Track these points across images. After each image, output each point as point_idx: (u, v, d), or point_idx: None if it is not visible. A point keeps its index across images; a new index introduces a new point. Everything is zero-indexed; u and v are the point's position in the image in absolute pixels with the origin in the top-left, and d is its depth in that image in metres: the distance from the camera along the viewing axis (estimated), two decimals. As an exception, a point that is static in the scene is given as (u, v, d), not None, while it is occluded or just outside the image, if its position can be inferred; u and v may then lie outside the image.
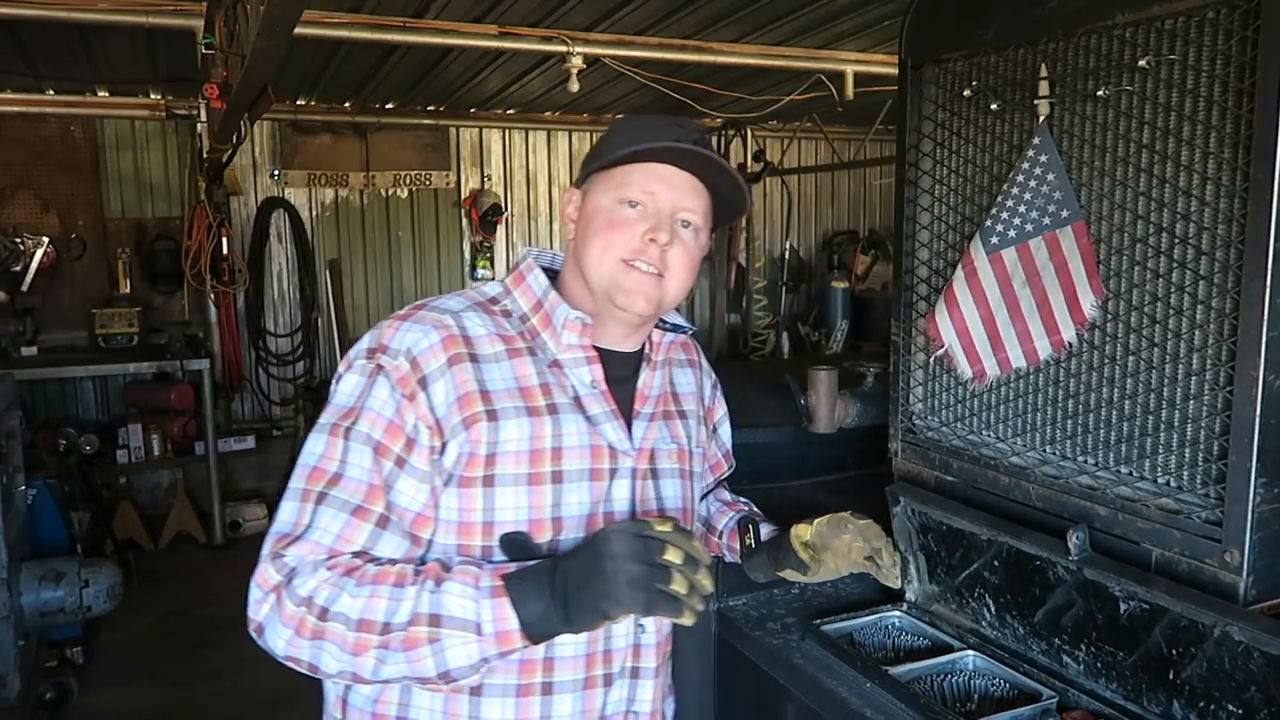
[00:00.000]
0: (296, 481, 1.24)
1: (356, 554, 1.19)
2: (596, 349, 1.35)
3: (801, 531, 1.56)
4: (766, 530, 1.64)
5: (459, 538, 1.25)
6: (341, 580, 1.15)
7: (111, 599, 3.79)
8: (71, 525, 4.24)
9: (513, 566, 1.17)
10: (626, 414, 1.37)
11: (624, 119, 1.37)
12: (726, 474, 1.76)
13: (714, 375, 1.67)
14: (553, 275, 1.42)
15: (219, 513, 5.81)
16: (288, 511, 1.22)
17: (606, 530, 1.14)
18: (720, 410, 1.68)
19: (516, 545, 1.24)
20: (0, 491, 3.43)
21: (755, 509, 1.73)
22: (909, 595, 1.81)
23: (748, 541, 1.61)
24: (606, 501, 1.32)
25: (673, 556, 1.10)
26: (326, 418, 1.26)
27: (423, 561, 1.23)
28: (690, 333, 1.57)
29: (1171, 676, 1.33)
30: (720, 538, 1.69)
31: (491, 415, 1.24)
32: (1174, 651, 1.32)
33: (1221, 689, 1.26)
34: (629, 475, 1.35)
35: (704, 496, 1.73)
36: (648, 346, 1.43)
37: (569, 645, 1.27)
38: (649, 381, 1.42)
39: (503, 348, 1.30)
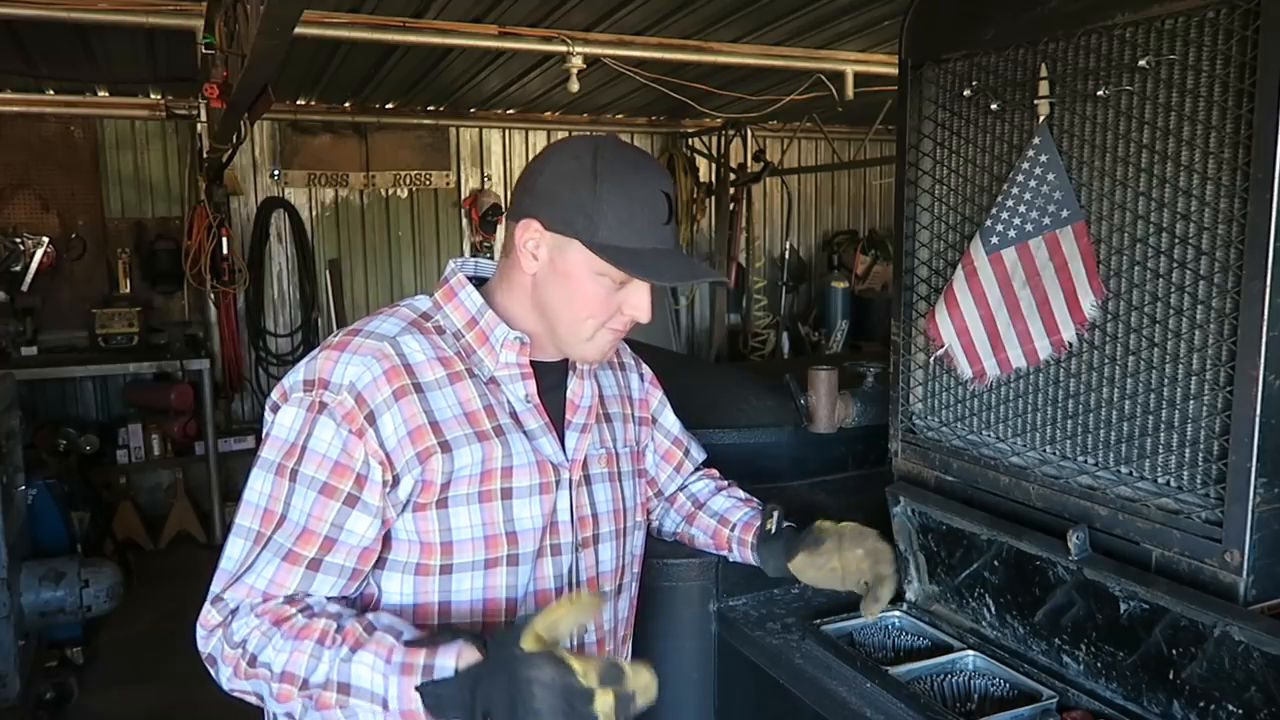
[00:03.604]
0: (243, 519, 1.26)
1: (291, 597, 1.23)
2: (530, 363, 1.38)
3: (826, 529, 1.61)
4: (788, 525, 1.67)
5: (420, 557, 1.29)
6: (270, 630, 1.19)
7: (111, 599, 3.79)
8: (71, 525, 4.24)
9: (422, 654, 1.14)
10: (559, 425, 1.41)
11: (611, 178, 1.27)
12: (698, 460, 1.79)
13: (645, 368, 1.68)
14: (479, 282, 1.43)
15: (219, 513, 5.81)
16: (234, 549, 1.25)
17: (530, 674, 1.06)
18: (655, 400, 1.69)
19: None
20: (0, 491, 3.43)
21: (771, 503, 1.74)
22: (909, 595, 1.81)
23: (768, 525, 1.63)
24: (553, 513, 1.37)
25: (600, 708, 1.05)
26: (270, 454, 1.26)
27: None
28: None
29: (1171, 676, 1.33)
30: (733, 530, 1.70)
31: (444, 447, 1.27)
32: (1174, 651, 1.32)
33: (1221, 689, 1.26)
34: (567, 486, 1.39)
35: (684, 487, 1.79)
36: None
37: None
38: (579, 391, 1.45)
39: (443, 372, 1.31)
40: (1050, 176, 1.48)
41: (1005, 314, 1.57)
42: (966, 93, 1.64)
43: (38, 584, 3.64)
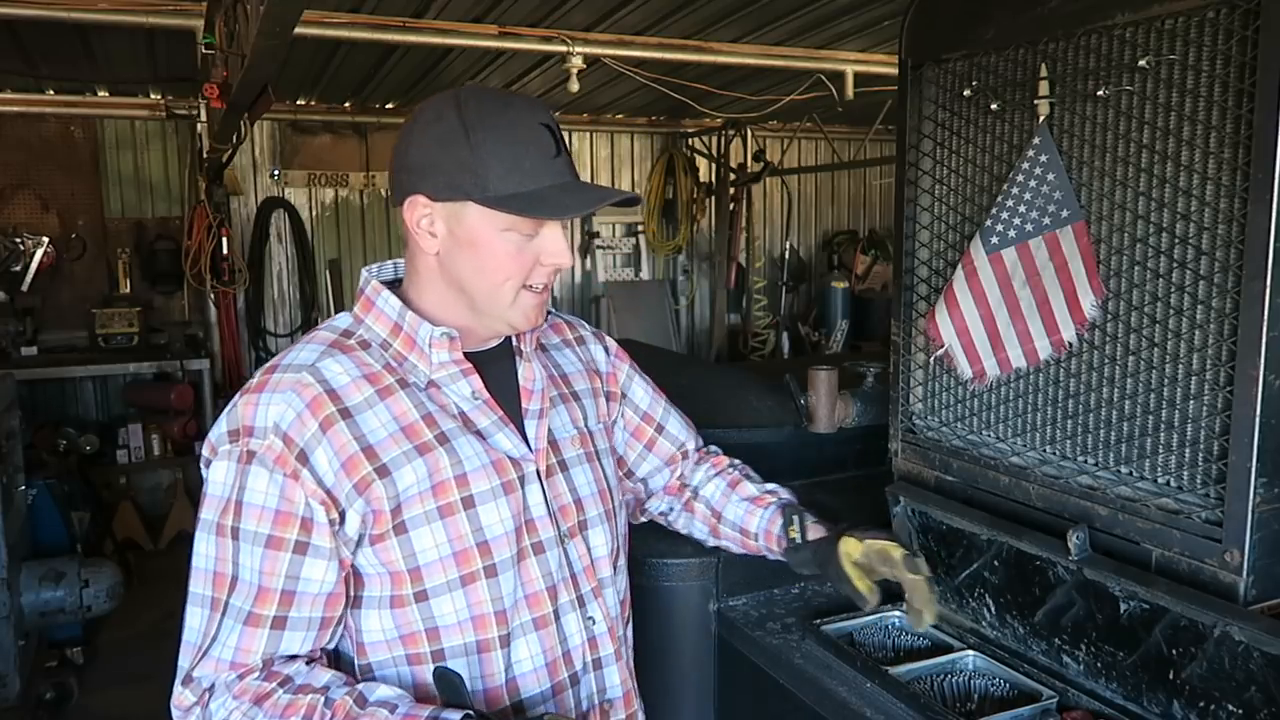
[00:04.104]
0: (197, 586, 1.19)
1: (269, 669, 1.17)
2: (467, 356, 1.29)
3: (851, 550, 1.46)
4: (811, 522, 1.53)
5: (392, 588, 1.21)
6: (252, 711, 1.13)
7: (111, 599, 3.79)
8: (71, 525, 4.24)
9: (424, 713, 1.12)
10: (515, 414, 1.31)
11: (483, 126, 1.18)
12: (684, 444, 1.64)
13: (609, 340, 1.58)
14: (395, 285, 1.34)
15: (219, 513, 5.80)
16: (193, 619, 1.19)
17: None
18: (623, 373, 1.57)
19: (447, 685, 1.17)
20: (0, 491, 3.43)
21: (787, 493, 1.62)
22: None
23: (792, 535, 1.51)
24: (525, 511, 1.28)
25: None
26: (208, 513, 1.19)
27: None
28: (553, 313, 1.51)
29: (1171, 676, 1.33)
30: (757, 539, 1.57)
31: (382, 471, 1.18)
32: (1174, 651, 1.32)
33: (1221, 689, 1.26)
34: (536, 478, 1.30)
35: (694, 489, 1.64)
36: (515, 339, 1.36)
37: (527, 661, 1.27)
38: (528, 375, 1.35)
39: (371, 390, 1.22)
40: (1050, 176, 1.48)
41: (1005, 314, 1.57)
42: (966, 93, 1.64)
43: (38, 584, 3.64)
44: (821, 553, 1.49)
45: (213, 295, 6.24)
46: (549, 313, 1.45)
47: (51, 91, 5.96)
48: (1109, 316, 1.44)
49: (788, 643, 1.76)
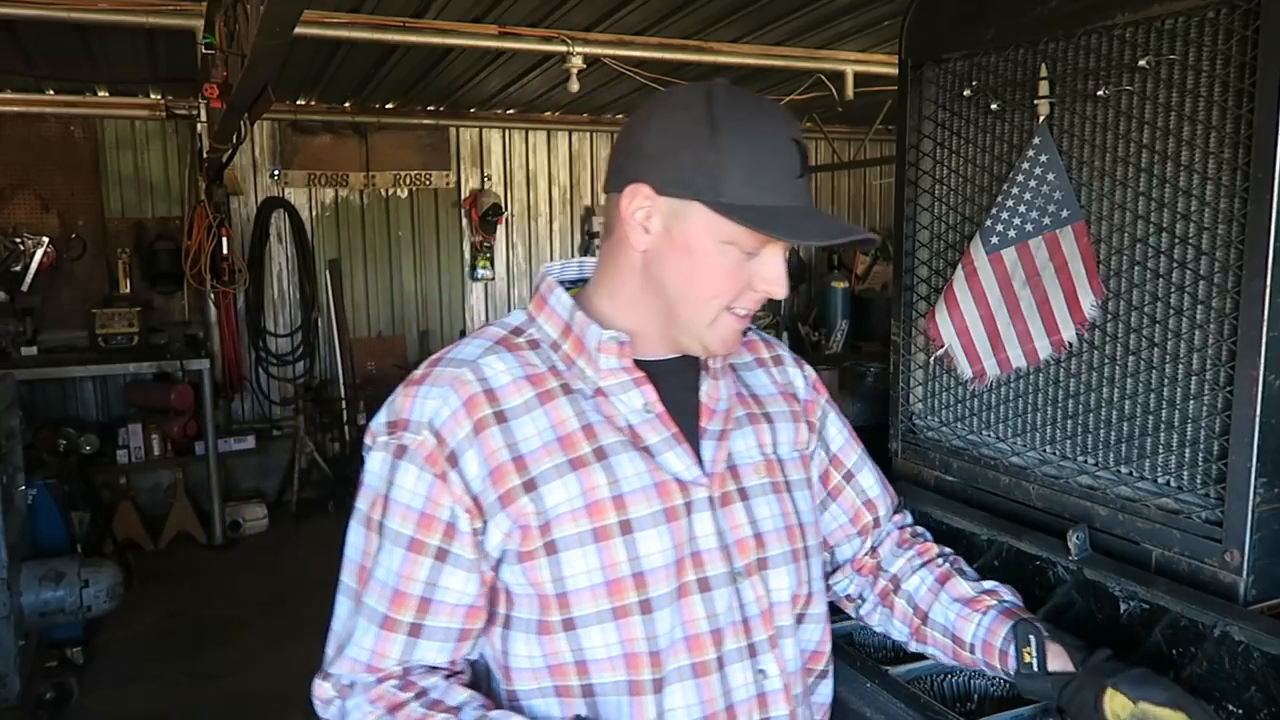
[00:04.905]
0: (345, 575, 1.15)
1: (406, 677, 1.12)
2: (642, 364, 1.16)
3: (1119, 709, 1.18)
4: (1048, 639, 1.25)
5: (540, 613, 1.10)
6: (385, 719, 1.09)
7: (111, 599, 3.79)
8: (71, 525, 4.24)
9: None
10: (691, 433, 1.17)
11: (732, 128, 1.07)
12: (879, 504, 1.40)
13: (808, 367, 1.39)
14: (576, 284, 1.24)
15: (219, 513, 5.81)
16: (340, 608, 1.16)
17: None
18: (820, 406, 1.37)
19: None
20: (0, 491, 3.43)
21: (1009, 593, 1.33)
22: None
23: (1027, 660, 1.24)
24: (691, 542, 1.13)
25: None
26: (362, 504, 1.14)
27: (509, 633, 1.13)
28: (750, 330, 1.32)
29: (1172, 676, 1.33)
30: (973, 652, 1.30)
31: (529, 486, 1.08)
32: (1174, 651, 1.32)
33: (1221, 689, 1.26)
34: (707, 506, 1.15)
35: (884, 570, 1.40)
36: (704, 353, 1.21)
37: (681, 711, 1.12)
38: (713, 393, 1.21)
39: (532, 393, 1.12)
40: (1050, 176, 1.48)
41: (1005, 314, 1.57)
42: (966, 93, 1.64)
43: (38, 584, 3.64)
44: (1073, 696, 1.21)
45: (213, 295, 6.24)
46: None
47: (51, 91, 5.97)
48: (1109, 316, 1.44)
49: (788, 643, 1.76)
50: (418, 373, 1.15)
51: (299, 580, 5.26)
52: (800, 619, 1.24)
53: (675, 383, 1.18)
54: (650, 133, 1.11)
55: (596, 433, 1.12)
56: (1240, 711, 1.24)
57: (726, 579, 1.14)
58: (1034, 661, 1.23)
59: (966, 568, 1.38)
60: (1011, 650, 1.24)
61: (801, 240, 1.08)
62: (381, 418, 1.14)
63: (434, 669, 1.13)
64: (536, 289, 1.23)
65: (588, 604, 1.09)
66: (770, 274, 1.12)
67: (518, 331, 1.19)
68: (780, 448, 1.26)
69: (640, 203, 1.10)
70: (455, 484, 1.08)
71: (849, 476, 1.38)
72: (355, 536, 1.14)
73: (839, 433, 1.38)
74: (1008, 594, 1.33)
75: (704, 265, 1.10)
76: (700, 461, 1.16)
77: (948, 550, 1.40)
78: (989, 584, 1.34)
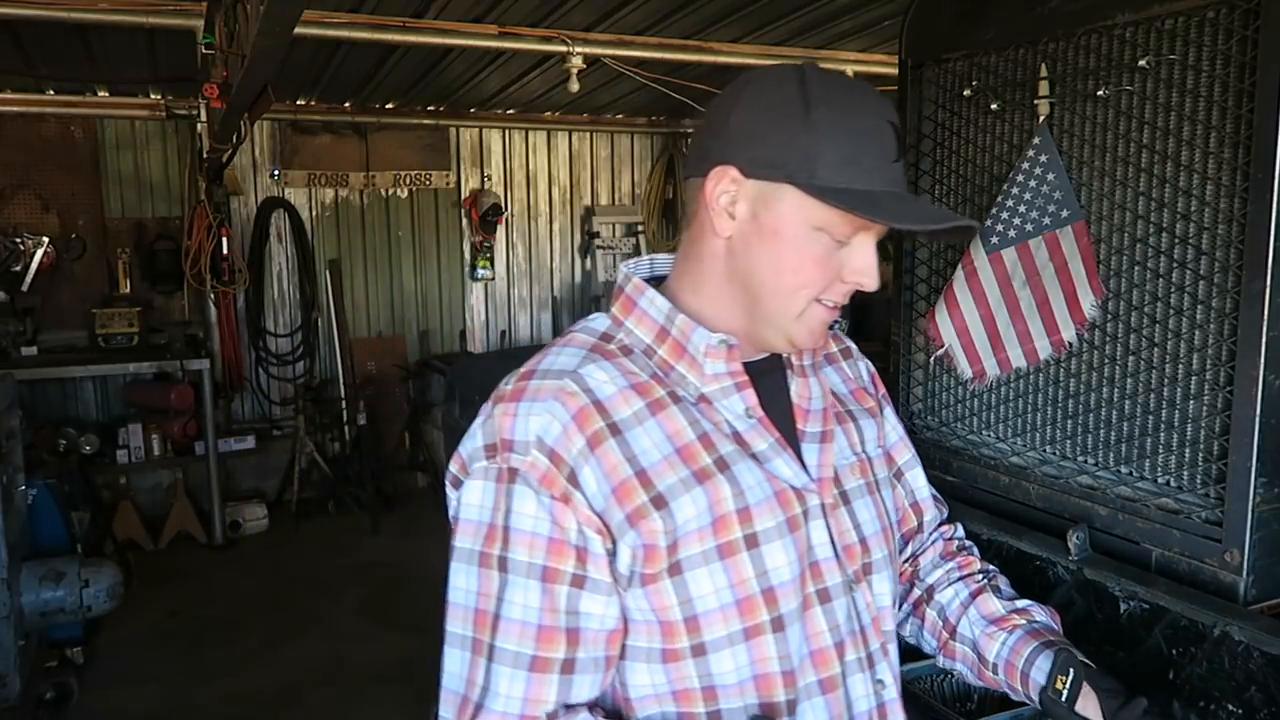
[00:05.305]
0: (455, 625, 1.02)
1: (549, 716, 1.01)
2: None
3: None
4: (1085, 674, 1.19)
5: (664, 640, 1.03)
6: None
7: (111, 599, 3.79)
8: (71, 525, 4.24)
9: None
10: (789, 437, 1.11)
11: (826, 107, 1.00)
12: (925, 506, 1.35)
13: (865, 359, 1.35)
14: (657, 282, 1.15)
15: (219, 513, 5.81)
16: (454, 663, 1.02)
17: None
18: (881, 398, 1.32)
19: None
20: (0, 491, 3.43)
21: (1043, 613, 1.28)
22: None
23: (1059, 688, 1.18)
24: (810, 552, 1.08)
25: None
26: (465, 541, 1.02)
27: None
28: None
29: (1171, 676, 1.33)
30: (995, 671, 1.25)
31: (658, 501, 1.00)
32: (1174, 651, 1.32)
33: (1221, 689, 1.26)
34: (820, 514, 1.09)
35: (914, 563, 1.36)
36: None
37: None
38: (804, 391, 1.15)
39: (641, 403, 1.04)
40: (1050, 176, 1.48)
41: (1005, 314, 1.57)
42: (966, 93, 1.64)
43: (38, 584, 3.64)
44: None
45: (213, 295, 6.24)
46: None
47: (51, 91, 5.96)
48: (1109, 316, 1.44)
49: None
50: (508, 388, 1.05)
51: (299, 580, 5.26)
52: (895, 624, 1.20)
53: (766, 385, 1.11)
54: (738, 112, 1.03)
55: (714, 442, 1.05)
56: (1240, 711, 1.24)
57: (843, 588, 1.10)
58: (1065, 693, 1.17)
59: (1004, 585, 1.32)
60: (1034, 674, 1.20)
61: (903, 225, 1.02)
62: (475, 442, 1.03)
63: (572, 707, 1.02)
64: (620, 290, 1.14)
65: (719, 626, 1.02)
66: (861, 263, 1.05)
67: (607, 338, 1.10)
68: (867, 445, 1.22)
69: (726, 186, 1.03)
70: (580, 504, 0.99)
71: (899, 475, 1.33)
72: (465, 578, 1.01)
73: (894, 428, 1.33)
74: (1040, 614, 1.27)
75: (793, 251, 1.03)
76: (804, 466, 1.10)
77: (991, 568, 1.35)
78: (1022, 603, 1.28)
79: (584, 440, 1.00)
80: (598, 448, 1.00)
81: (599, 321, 1.13)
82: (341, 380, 6.67)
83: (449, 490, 1.06)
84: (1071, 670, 1.16)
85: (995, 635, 1.25)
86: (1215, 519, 1.30)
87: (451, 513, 1.05)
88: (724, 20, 4.39)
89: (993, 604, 1.28)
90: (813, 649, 1.07)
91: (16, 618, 3.51)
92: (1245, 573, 1.26)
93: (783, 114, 1.00)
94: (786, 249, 1.03)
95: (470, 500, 1.02)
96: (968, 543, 1.38)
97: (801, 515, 1.07)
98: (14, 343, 5.71)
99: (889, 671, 1.14)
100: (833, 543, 1.10)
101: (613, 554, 1.00)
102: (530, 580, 0.98)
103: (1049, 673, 1.18)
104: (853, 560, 1.12)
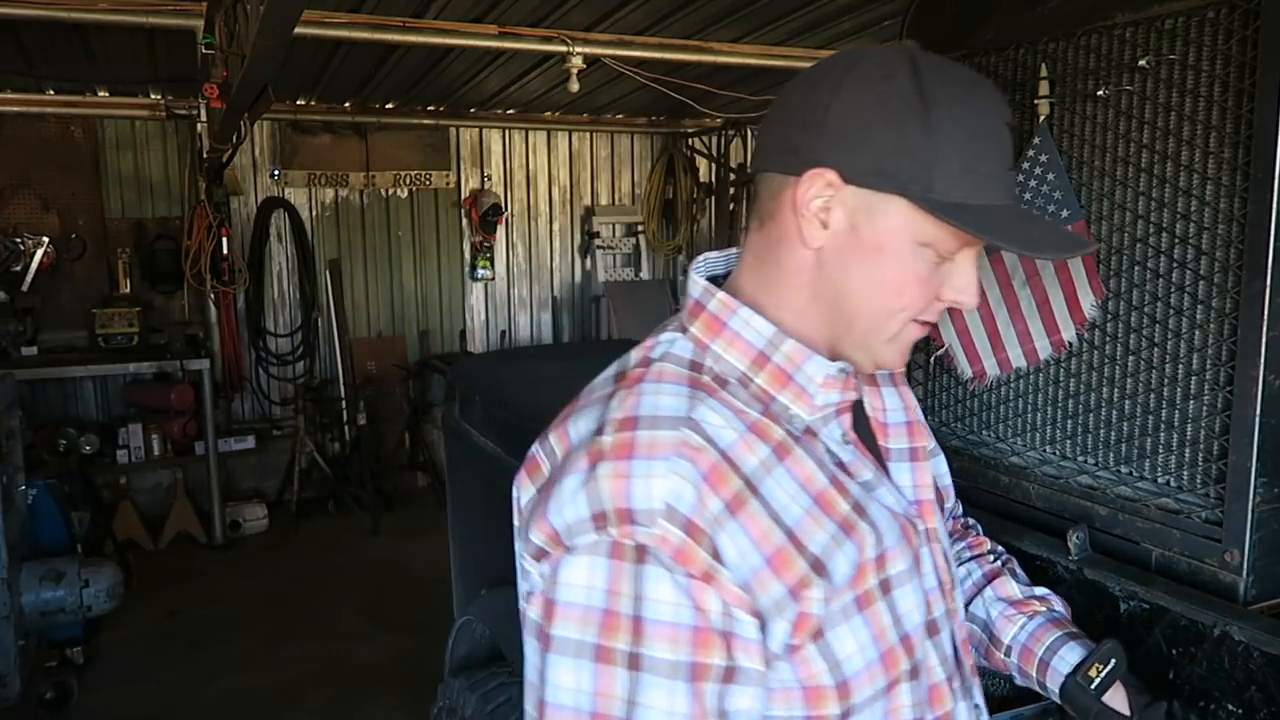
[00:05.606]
0: None
1: None
2: None
3: None
4: (1115, 671, 1.16)
5: (808, 707, 0.89)
6: None
7: (111, 599, 3.79)
8: (71, 525, 4.24)
9: None
10: (875, 457, 1.02)
11: (947, 105, 0.86)
12: (947, 495, 1.27)
13: None
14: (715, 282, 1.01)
15: (219, 513, 5.81)
16: None
17: None
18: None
19: None
20: (0, 491, 3.43)
21: (1061, 605, 1.26)
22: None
23: (1091, 675, 1.14)
24: (922, 581, 0.99)
25: None
26: (571, 631, 0.83)
27: None
28: None
29: (1171, 676, 1.33)
30: (1009, 654, 1.21)
31: (818, 567, 0.87)
32: (1174, 651, 1.32)
33: (1221, 689, 1.26)
34: (926, 540, 1.00)
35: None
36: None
37: None
38: (878, 404, 1.06)
39: (765, 449, 0.89)
40: (1050, 176, 1.48)
41: (1005, 314, 1.57)
42: (966, 93, 1.64)
43: (38, 584, 3.65)
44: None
45: (213, 295, 6.24)
46: None
47: (51, 91, 5.97)
48: (1109, 316, 1.44)
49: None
50: (607, 442, 0.86)
51: (299, 580, 5.26)
52: None
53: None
54: (840, 104, 0.88)
55: (843, 484, 0.93)
56: (1240, 711, 1.24)
57: (946, 618, 1.01)
58: (1097, 680, 1.13)
59: (1018, 569, 1.29)
60: (1056, 662, 1.15)
61: (1040, 254, 0.93)
62: (576, 510, 0.84)
63: None
64: (700, 306, 0.98)
65: (866, 686, 0.90)
66: (963, 280, 0.93)
67: (696, 366, 0.94)
68: (939, 469, 1.15)
69: (821, 190, 0.89)
70: (725, 582, 0.82)
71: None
72: (574, 675, 0.83)
73: (914, 407, 1.24)
74: (1059, 604, 1.24)
75: (896, 270, 0.90)
76: (899, 489, 1.01)
77: (1000, 549, 1.32)
78: (1040, 590, 1.25)
79: (721, 504, 0.83)
80: (740, 511, 0.84)
81: (679, 345, 0.96)
82: (341, 380, 6.67)
83: (527, 562, 0.88)
84: (1113, 661, 1.13)
85: (1014, 619, 1.21)
86: (1215, 519, 1.30)
87: (532, 589, 0.88)
88: (724, 20, 4.39)
89: (1011, 587, 1.24)
90: (930, 685, 0.98)
91: (16, 618, 3.51)
92: (1245, 573, 1.26)
93: (896, 111, 0.86)
94: (889, 266, 0.90)
95: (574, 580, 0.83)
96: (972, 521, 1.36)
97: (918, 546, 0.98)
98: (14, 343, 5.72)
99: (980, 694, 1.08)
100: (936, 571, 1.01)
101: (763, 632, 0.85)
102: (675, 681, 0.81)
103: (1084, 659, 1.14)
104: (948, 586, 1.04)
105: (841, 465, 0.95)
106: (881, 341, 0.95)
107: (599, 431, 0.87)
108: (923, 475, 1.03)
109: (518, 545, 0.92)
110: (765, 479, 0.87)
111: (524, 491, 0.94)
